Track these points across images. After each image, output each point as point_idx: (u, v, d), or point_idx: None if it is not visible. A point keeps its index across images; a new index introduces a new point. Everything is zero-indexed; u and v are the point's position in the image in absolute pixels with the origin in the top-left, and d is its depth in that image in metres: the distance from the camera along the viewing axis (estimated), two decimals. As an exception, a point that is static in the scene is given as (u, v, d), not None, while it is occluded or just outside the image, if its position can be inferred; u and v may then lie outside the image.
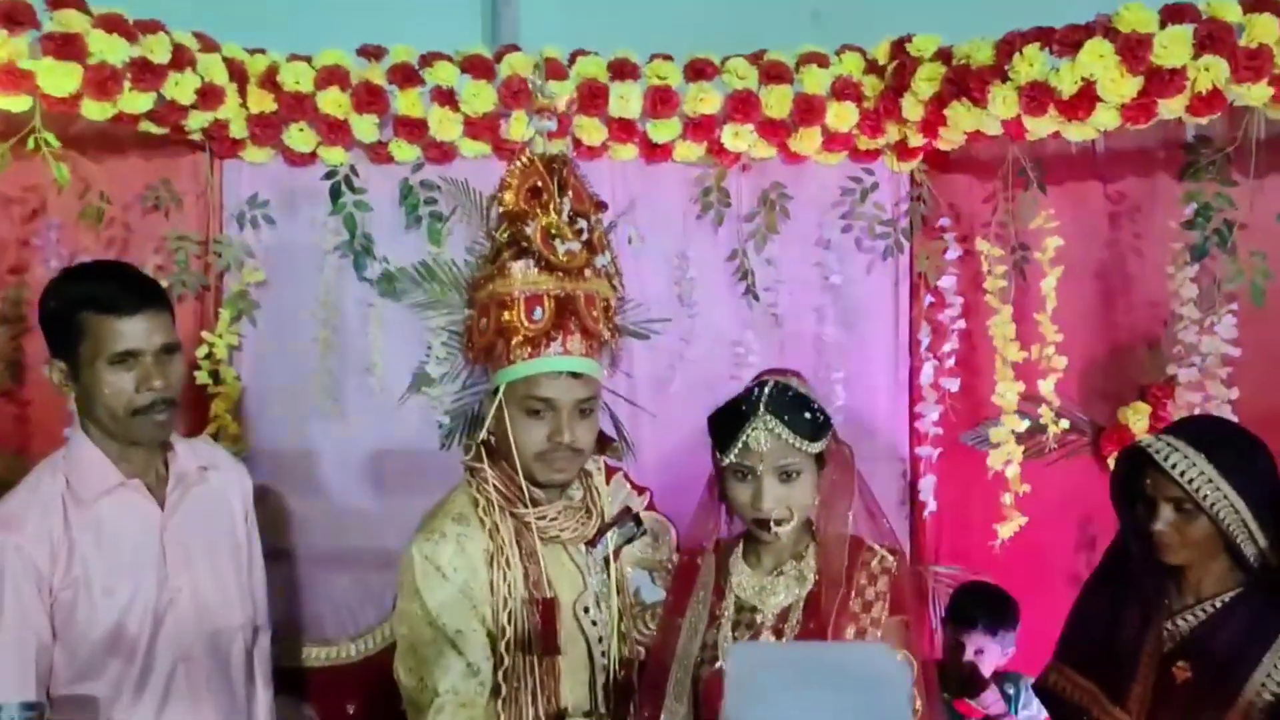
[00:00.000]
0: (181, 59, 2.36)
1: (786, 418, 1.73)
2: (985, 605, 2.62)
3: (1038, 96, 2.34)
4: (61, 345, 1.84)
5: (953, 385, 2.72)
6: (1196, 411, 2.50)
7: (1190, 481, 1.75)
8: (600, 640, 1.86)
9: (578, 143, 2.61)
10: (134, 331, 1.80)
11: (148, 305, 1.83)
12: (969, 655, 2.56)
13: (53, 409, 2.50)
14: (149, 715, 1.85)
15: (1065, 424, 2.64)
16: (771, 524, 1.74)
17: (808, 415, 1.75)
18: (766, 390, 1.76)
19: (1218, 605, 1.80)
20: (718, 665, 1.76)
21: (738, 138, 2.64)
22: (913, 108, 2.55)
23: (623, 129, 2.65)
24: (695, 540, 1.91)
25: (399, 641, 1.80)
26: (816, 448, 1.76)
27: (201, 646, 1.91)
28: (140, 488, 1.89)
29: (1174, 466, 1.76)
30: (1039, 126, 2.42)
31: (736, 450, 1.74)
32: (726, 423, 1.77)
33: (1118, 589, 1.93)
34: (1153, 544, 1.81)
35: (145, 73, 2.30)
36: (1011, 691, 2.59)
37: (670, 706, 1.79)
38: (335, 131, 2.59)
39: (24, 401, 2.54)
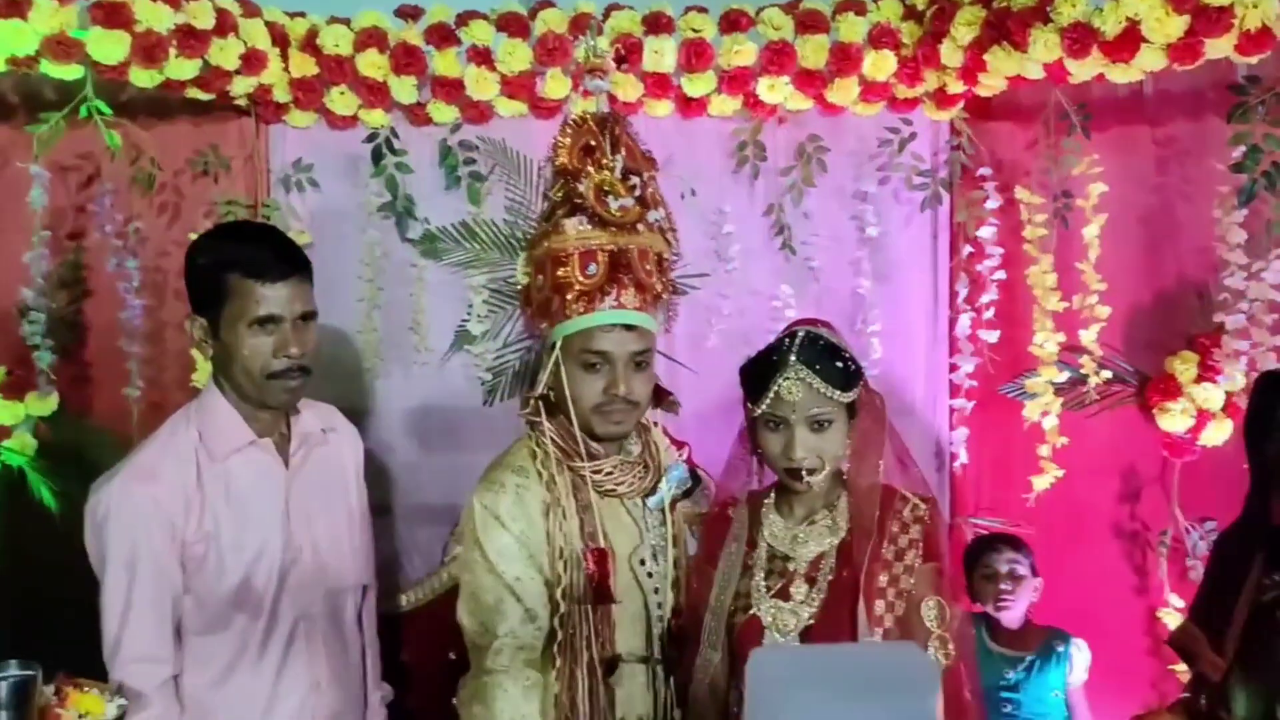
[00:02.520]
0: (224, 24, 2.41)
1: (818, 367, 1.74)
2: (998, 536, 2.64)
3: (1080, 38, 2.28)
4: (205, 303, 1.87)
5: (991, 337, 2.70)
6: (1243, 360, 2.46)
7: None
8: (656, 591, 1.90)
9: (612, 99, 2.61)
10: (278, 298, 1.84)
11: (294, 273, 1.87)
12: (1005, 576, 2.56)
13: (115, 373, 2.60)
14: (272, 671, 1.91)
15: (1107, 374, 2.61)
16: (803, 473, 1.76)
17: (839, 365, 1.76)
18: (798, 340, 1.78)
19: None
20: (751, 613, 1.79)
21: (773, 90, 2.63)
22: (952, 54, 2.51)
23: (658, 84, 2.64)
24: (728, 491, 1.94)
25: (462, 587, 1.87)
26: (848, 397, 1.77)
27: (320, 604, 1.96)
28: (269, 447, 1.94)
29: None
30: (1082, 70, 2.37)
31: (768, 400, 1.76)
32: (758, 373, 1.79)
33: (1241, 539, 1.91)
34: (1276, 476, 1.77)
35: (190, 39, 2.35)
36: (1061, 649, 2.59)
37: (705, 654, 1.83)
38: (375, 94, 2.63)
39: (84, 363, 2.64)
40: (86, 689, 1.70)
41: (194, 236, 2.58)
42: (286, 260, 1.88)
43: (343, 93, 2.63)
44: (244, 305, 1.84)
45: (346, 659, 2.02)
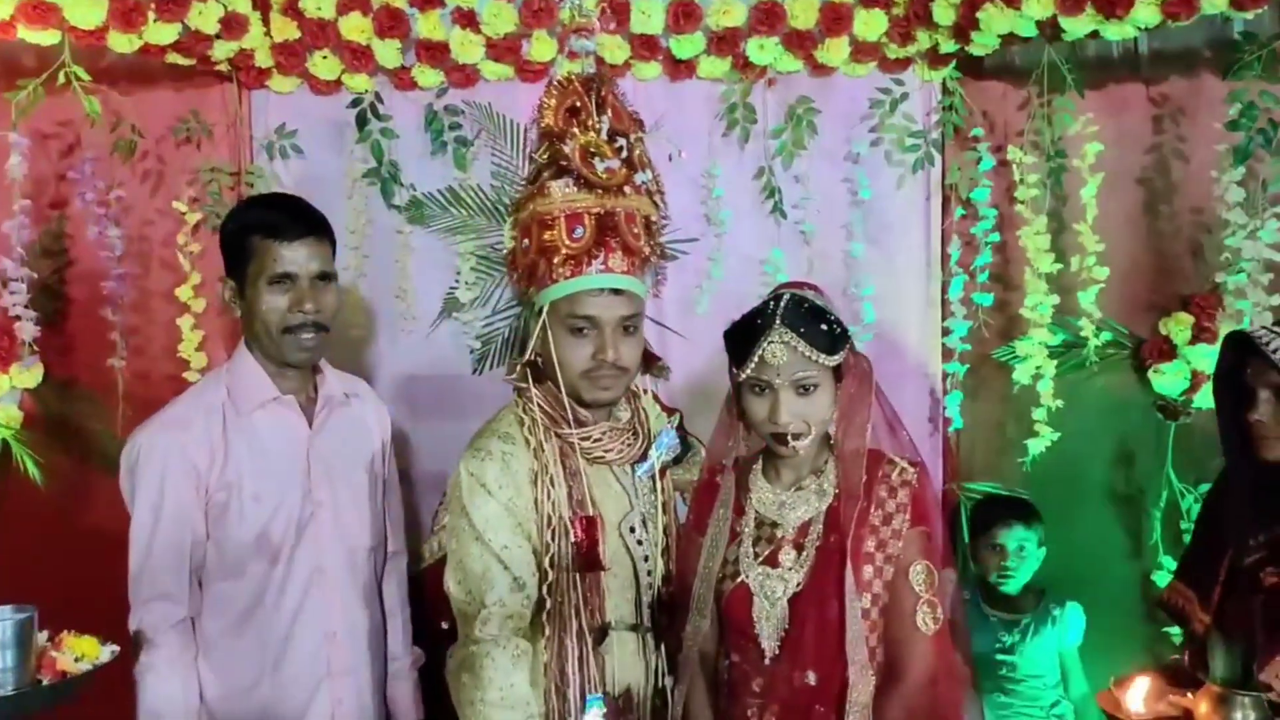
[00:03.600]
0: (203, -12, 2.37)
1: (802, 330, 1.72)
2: (1012, 504, 2.61)
3: (1074, -6, 2.25)
4: (233, 265, 1.96)
5: (985, 300, 2.67)
6: (1244, 320, 2.43)
7: None
8: (646, 559, 1.89)
9: (600, 61, 2.58)
10: (294, 256, 1.91)
11: (310, 234, 1.94)
12: (1012, 554, 2.56)
13: (100, 342, 2.58)
14: (287, 620, 1.96)
15: (1107, 336, 2.59)
16: (789, 438, 1.74)
17: (824, 327, 1.73)
18: (782, 303, 1.75)
19: None
20: (739, 580, 1.79)
21: (763, 51, 2.59)
22: (944, 11, 2.47)
23: (645, 46, 2.61)
24: (715, 458, 1.92)
25: (449, 555, 1.85)
26: (833, 360, 1.74)
27: (337, 561, 2.01)
28: (293, 404, 2.00)
29: (1275, 352, 1.69)
30: (1076, 26, 2.34)
31: (753, 364, 1.73)
32: (742, 337, 1.76)
33: (1224, 500, 1.91)
34: (1250, 439, 1.76)
35: (169, 3, 2.32)
36: (1056, 612, 2.59)
37: (694, 622, 1.83)
38: (358, 58, 2.59)
39: (69, 334, 2.61)
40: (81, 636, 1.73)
41: (177, 204, 2.60)
42: (304, 221, 1.95)
43: (325, 57, 2.59)
44: (263, 263, 1.91)
45: (364, 615, 2.06)
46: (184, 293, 2.59)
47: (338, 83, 2.64)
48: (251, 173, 2.66)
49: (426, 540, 2.70)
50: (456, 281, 2.71)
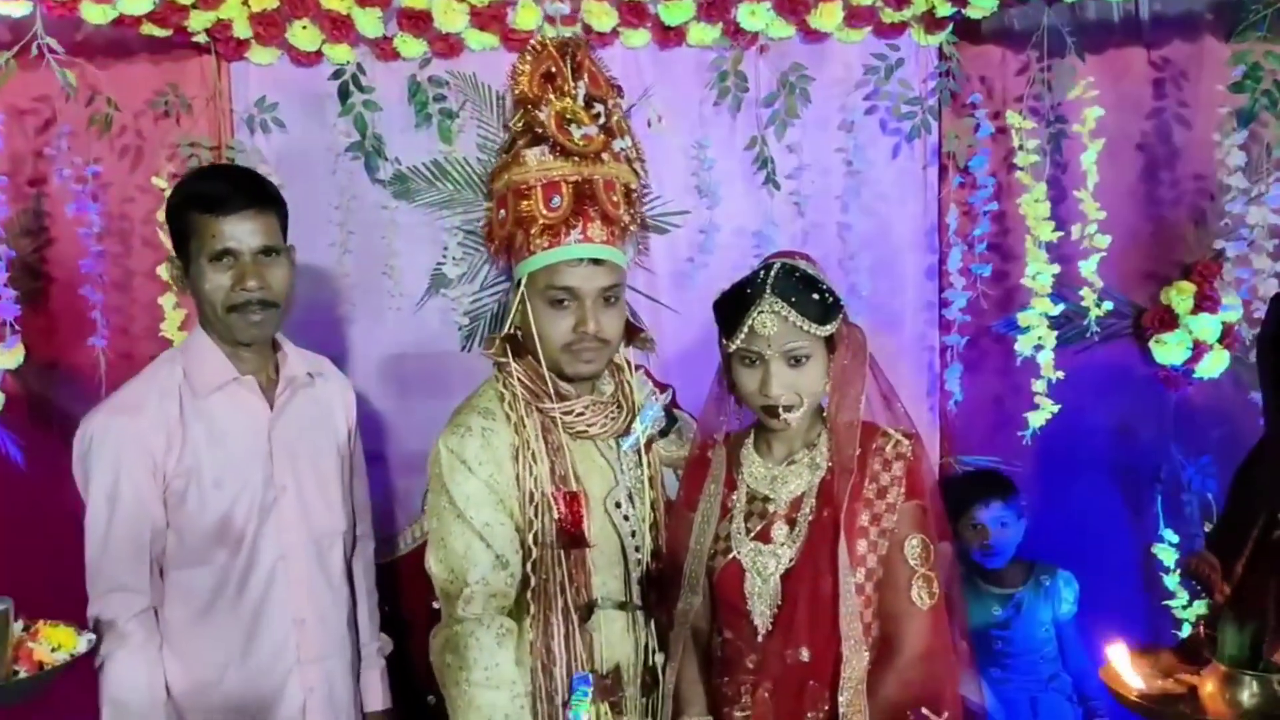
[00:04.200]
0: (178, -44, 2.31)
1: (793, 299, 1.67)
2: (985, 480, 2.58)
3: (1073, -47, 2.19)
4: (176, 242, 1.89)
5: (984, 271, 2.62)
6: (1244, 288, 2.39)
7: None
8: (633, 534, 1.85)
9: (587, 29, 2.52)
10: (234, 231, 1.83)
11: (250, 206, 1.84)
12: (994, 533, 2.53)
13: (81, 321, 2.53)
14: (252, 608, 1.90)
15: (1109, 306, 2.54)
16: (780, 410, 1.70)
17: (815, 297, 1.69)
18: (773, 272, 1.71)
19: None
20: (730, 556, 1.75)
21: (754, 16, 2.52)
22: (940, -26, 2.41)
23: (633, 12, 2.53)
24: (706, 432, 1.89)
25: (430, 534, 1.82)
26: (825, 330, 1.70)
27: (303, 546, 1.95)
28: (253, 385, 1.93)
29: None
30: (1075, -13, 2.28)
31: (743, 335, 1.69)
32: (732, 307, 1.72)
33: (1259, 469, 1.87)
34: None
35: (142, -28, 2.26)
36: (1048, 582, 2.56)
37: (686, 598, 1.79)
38: (339, 27, 2.51)
39: (50, 314, 2.57)
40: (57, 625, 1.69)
41: (157, 180, 2.54)
42: (244, 193, 1.86)
43: (305, 27, 2.52)
44: (202, 240, 1.83)
45: (333, 601, 2.01)
46: (165, 271, 2.53)
47: (318, 54, 2.57)
48: (232, 147, 2.60)
49: (416, 520, 2.67)
50: (444, 257, 2.65)
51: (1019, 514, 2.55)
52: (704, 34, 2.59)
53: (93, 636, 1.69)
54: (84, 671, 1.76)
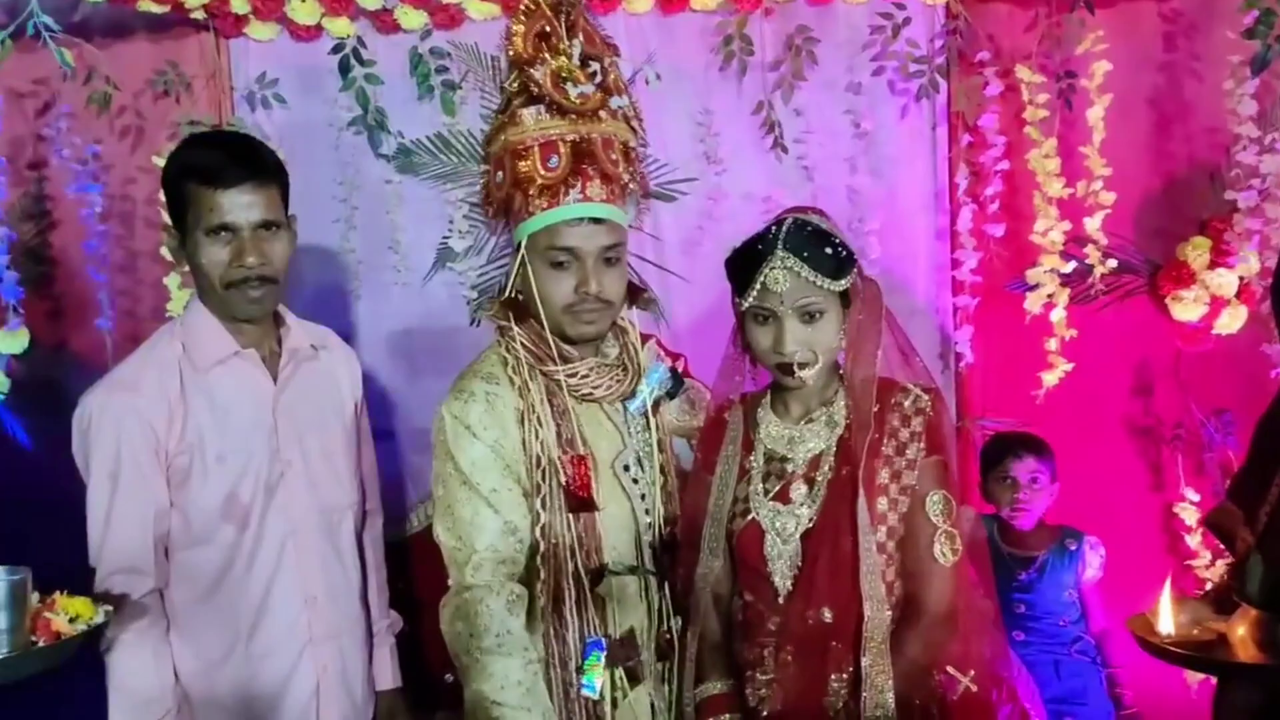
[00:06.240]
0: (172, -70, 2.29)
1: (806, 254, 1.64)
2: (1022, 438, 2.56)
3: (1082, -98, 2.15)
4: (175, 213, 1.82)
5: (996, 231, 2.58)
6: (1256, 239, 2.35)
7: None
8: (644, 498, 1.83)
9: (588, -5, 2.49)
10: (232, 205, 1.75)
11: (250, 179, 1.77)
12: (1025, 485, 2.50)
13: (86, 304, 2.52)
14: (260, 586, 1.85)
15: (1113, 264, 2.51)
16: (795, 368, 1.67)
17: (828, 251, 1.66)
18: (784, 227, 1.67)
19: None
20: (750, 518, 1.72)
21: (758, -22, 2.49)
22: (946, -72, 2.37)
23: (636, -24, 2.51)
24: (722, 394, 1.85)
25: (436, 502, 1.79)
26: (839, 285, 1.67)
27: (312, 522, 1.90)
28: (255, 358, 1.87)
29: None
30: (1084, -61, 2.24)
31: (755, 292, 1.66)
32: (743, 264, 1.69)
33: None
34: None
35: (137, -53, 2.23)
36: (1073, 547, 2.54)
37: (706, 562, 1.76)
38: (338, 0, 2.49)
39: (55, 296, 2.56)
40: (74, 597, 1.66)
41: (157, 160, 2.51)
42: (243, 164, 1.78)
43: (304, 1, 2.49)
44: (199, 213, 1.77)
45: (344, 577, 1.97)
46: (165, 244, 2.51)
47: (318, 28, 2.55)
48: (233, 124, 2.57)
49: (421, 501, 2.65)
50: (449, 231, 2.63)
51: (1052, 475, 2.53)
52: (708, -3, 2.56)
53: (110, 609, 1.65)
54: (92, 656, 1.74)
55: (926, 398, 1.71)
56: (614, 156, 1.76)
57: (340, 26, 2.55)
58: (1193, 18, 2.51)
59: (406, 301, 2.65)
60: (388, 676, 2.07)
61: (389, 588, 2.13)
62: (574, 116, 1.72)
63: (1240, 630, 1.59)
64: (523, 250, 1.77)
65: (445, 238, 2.63)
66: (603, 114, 1.76)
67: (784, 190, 2.61)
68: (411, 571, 2.50)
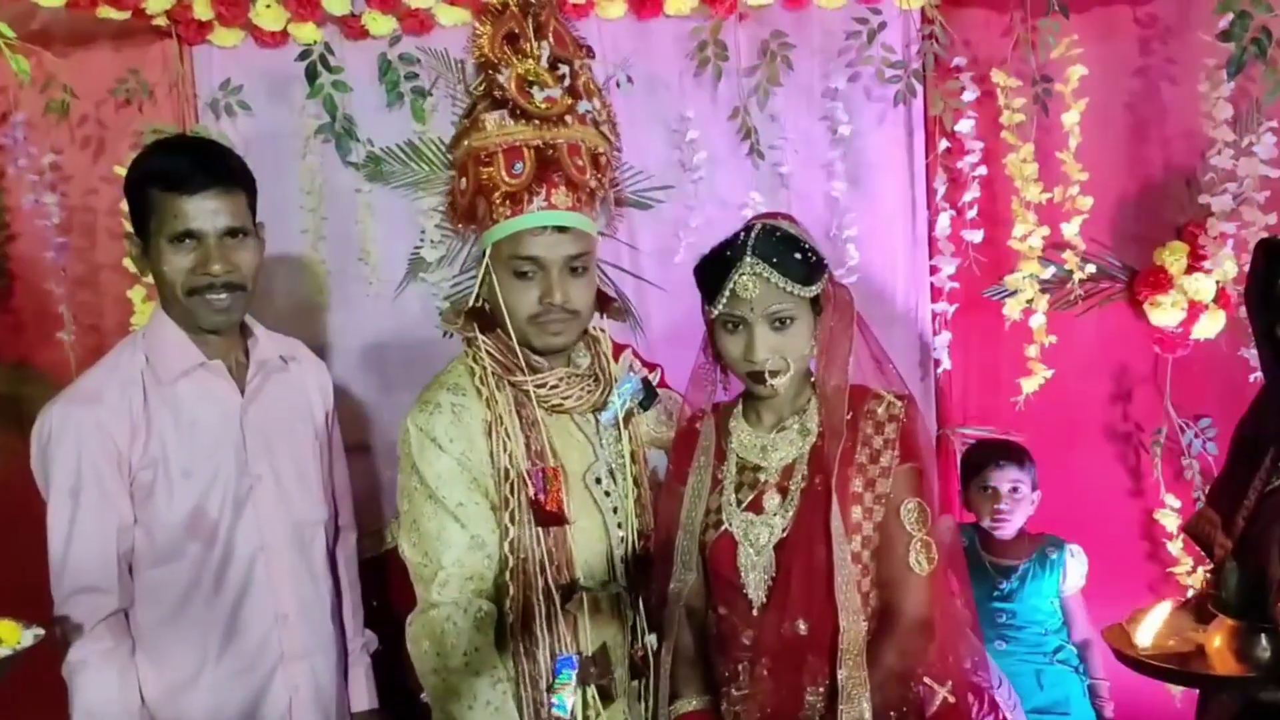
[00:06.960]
0: (133, -66, 2.25)
1: (775, 260, 1.61)
2: (1003, 446, 2.53)
3: (1056, -94, 2.13)
4: (137, 221, 1.77)
5: (975, 237, 2.56)
6: (1230, 244, 2.34)
7: None
8: (615, 511, 1.78)
9: (561, 1, 2.46)
10: (196, 211, 1.71)
11: (215, 185, 1.73)
12: (1005, 495, 2.48)
13: (47, 317, 2.47)
14: (229, 604, 1.81)
15: (1091, 269, 2.50)
16: (766, 376, 1.64)
17: (798, 256, 1.63)
18: (753, 234, 1.64)
19: None
20: (722, 529, 1.69)
21: (731, -18, 2.47)
22: (921, -68, 2.35)
23: (608, -19, 2.48)
24: (694, 404, 1.82)
25: (401, 517, 1.75)
26: (810, 291, 1.64)
27: (283, 537, 1.85)
28: (221, 370, 1.83)
29: None
30: (1058, -57, 2.22)
31: (725, 299, 1.63)
32: (712, 271, 1.66)
33: (1258, 421, 1.83)
34: None
35: (97, -47, 2.19)
36: (1054, 556, 2.51)
37: (680, 575, 1.73)
38: (304, 6, 2.46)
39: (15, 310, 2.50)
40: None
41: (119, 170, 2.46)
42: (207, 171, 1.74)
43: (269, 6, 2.46)
44: (162, 219, 1.72)
45: (317, 594, 1.92)
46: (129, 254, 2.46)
47: (284, 34, 2.51)
48: (197, 133, 2.53)
49: (393, 518, 2.59)
50: (421, 240, 2.59)
51: (1032, 484, 2.50)
52: (682, 3, 2.55)
53: (40, 632, 1.56)
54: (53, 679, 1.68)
55: (900, 404, 1.68)
56: (580, 162, 1.71)
57: (306, 33, 2.51)
58: (1168, 22, 2.50)
59: (378, 313, 2.61)
60: (364, 697, 2.02)
61: (364, 605, 2.08)
62: (539, 121, 1.68)
63: (1217, 641, 1.56)
64: (487, 258, 1.72)
65: (417, 247, 2.59)
66: (569, 119, 1.71)
67: (761, 196, 2.59)
68: (387, 589, 2.44)
